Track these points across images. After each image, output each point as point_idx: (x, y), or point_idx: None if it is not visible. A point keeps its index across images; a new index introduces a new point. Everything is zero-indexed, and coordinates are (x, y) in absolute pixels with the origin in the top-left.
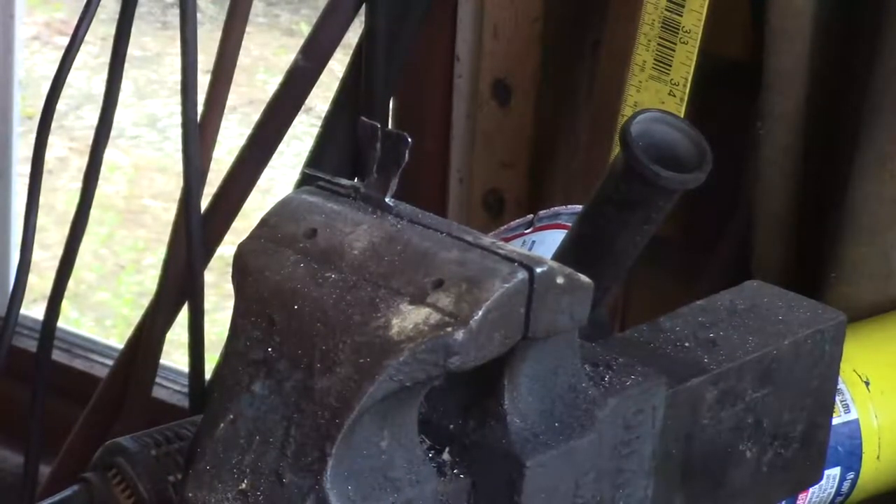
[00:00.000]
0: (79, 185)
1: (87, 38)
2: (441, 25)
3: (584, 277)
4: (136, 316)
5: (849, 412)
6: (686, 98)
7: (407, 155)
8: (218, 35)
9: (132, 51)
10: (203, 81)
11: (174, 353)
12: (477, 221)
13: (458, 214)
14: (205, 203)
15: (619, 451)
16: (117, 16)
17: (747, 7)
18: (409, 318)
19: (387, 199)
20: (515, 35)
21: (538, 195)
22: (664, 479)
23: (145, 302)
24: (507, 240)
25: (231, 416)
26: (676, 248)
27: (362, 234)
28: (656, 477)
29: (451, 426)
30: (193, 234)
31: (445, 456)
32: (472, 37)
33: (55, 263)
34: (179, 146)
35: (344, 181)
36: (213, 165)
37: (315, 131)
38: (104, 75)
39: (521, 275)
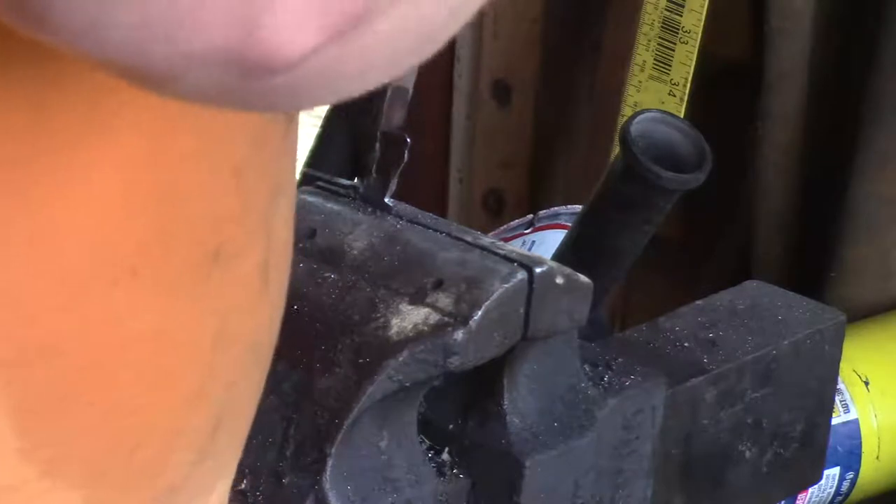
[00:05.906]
0: None
1: None
2: None
3: (583, 277)
4: None
5: (848, 412)
6: (686, 98)
7: (406, 155)
8: None
9: None
10: None
11: None
12: (477, 221)
13: (458, 214)
14: None
15: (618, 451)
16: None
17: (747, 7)
18: (408, 318)
19: (386, 200)
20: (515, 35)
21: (538, 195)
22: (664, 479)
23: None
24: (506, 240)
25: None
26: (676, 248)
27: (362, 234)
28: (656, 477)
29: (451, 426)
30: None
31: (445, 456)
32: (472, 37)
33: None
34: None
35: (344, 181)
36: None
37: (315, 131)
38: None
39: (521, 275)
